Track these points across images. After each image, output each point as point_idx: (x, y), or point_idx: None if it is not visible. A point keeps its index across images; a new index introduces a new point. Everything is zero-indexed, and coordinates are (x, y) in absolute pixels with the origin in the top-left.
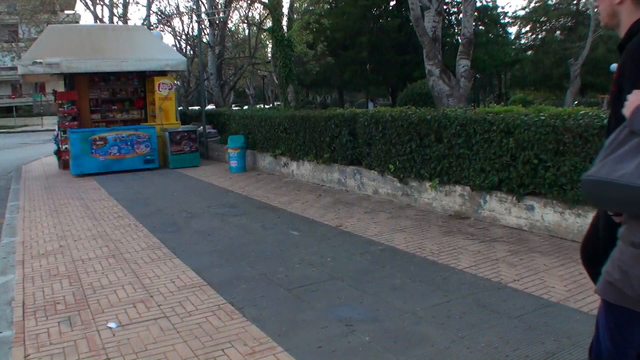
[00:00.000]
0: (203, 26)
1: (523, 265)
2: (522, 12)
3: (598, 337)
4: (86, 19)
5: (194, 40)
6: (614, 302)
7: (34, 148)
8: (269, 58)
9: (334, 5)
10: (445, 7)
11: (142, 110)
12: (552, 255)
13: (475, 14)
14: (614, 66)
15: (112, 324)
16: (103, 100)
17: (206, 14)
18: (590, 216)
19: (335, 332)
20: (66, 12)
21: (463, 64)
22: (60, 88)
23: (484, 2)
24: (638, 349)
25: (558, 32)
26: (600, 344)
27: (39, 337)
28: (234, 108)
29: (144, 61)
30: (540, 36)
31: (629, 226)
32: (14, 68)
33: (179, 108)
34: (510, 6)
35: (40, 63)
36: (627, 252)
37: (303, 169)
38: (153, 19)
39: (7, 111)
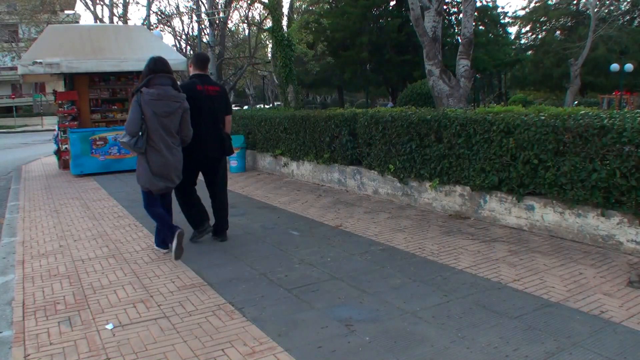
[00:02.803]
0: (203, 26)
1: (523, 265)
2: (522, 12)
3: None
4: (86, 19)
5: (194, 40)
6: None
7: (34, 148)
8: (269, 58)
9: (334, 5)
10: (445, 7)
11: None
12: (552, 255)
13: (475, 14)
14: (614, 66)
15: (109, 325)
16: (103, 100)
17: (206, 14)
18: (590, 216)
19: (335, 332)
20: (66, 12)
21: (463, 64)
22: (60, 88)
23: (484, 2)
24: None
25: (558, 32)
26: (144, 203)
27: (39, 337)
28: (234, 108)
29: (144, 61)
30: (540, 36)
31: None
32: (14, 68)
33: None
34: (510, 6)
35: (40, 63)
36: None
37: (303, 169)
38: (153, 19)
39: (7, 111)
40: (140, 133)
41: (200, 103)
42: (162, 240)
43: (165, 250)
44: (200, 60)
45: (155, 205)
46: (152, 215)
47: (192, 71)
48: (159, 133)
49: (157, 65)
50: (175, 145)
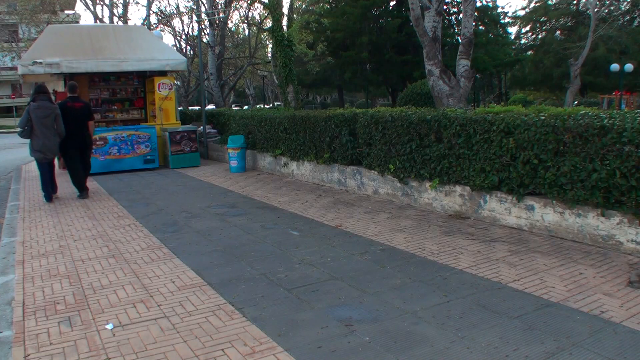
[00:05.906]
0: (203, 26)
1: (523, 265)
2: (522, 12)
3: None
4: (86, 19)
5: (194, 40)
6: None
7: None
8: (269, 58)
9: (334, 5)
10: (445, 7)
11: (142, 110)
12: (552, 255)
13: (475, 14)
14: (614, 66)
15: (109, 325)
16: (103, 100)
17: (206, 14)
18: (590, 216)
19: (335, 332)
20: (66, 12)
21: (463, 64)
22: (60, 88)
23: (484, 2)
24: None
25: (558, 32)
26: (41, 178)
27: (39, 337)
28: (234, 108)
29: (144, 61)
30: (540, 36)
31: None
32: (14, 68)
33: (179, 108)
34: (510, 6)
35: (40, 63)
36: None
37: (303, 169)
38: (153, 19)
39: (7, 111)
40: (25, 127)
41: (69, 114)
42: (46, 195)
43: (48, 202)
44: (70, 88)
45: (45, 172)
46: (42, 177)
47: (68, 94)
48: (40, 127)
49: (40, 89)
50: (51, 135)
